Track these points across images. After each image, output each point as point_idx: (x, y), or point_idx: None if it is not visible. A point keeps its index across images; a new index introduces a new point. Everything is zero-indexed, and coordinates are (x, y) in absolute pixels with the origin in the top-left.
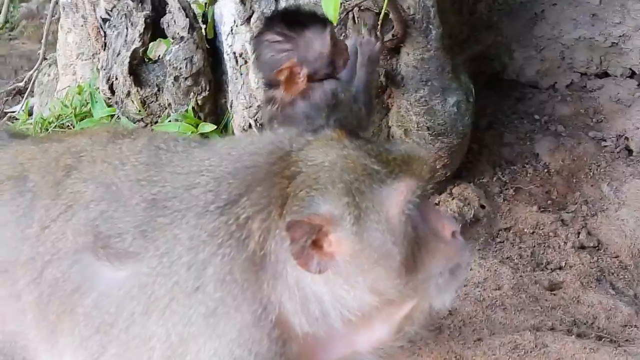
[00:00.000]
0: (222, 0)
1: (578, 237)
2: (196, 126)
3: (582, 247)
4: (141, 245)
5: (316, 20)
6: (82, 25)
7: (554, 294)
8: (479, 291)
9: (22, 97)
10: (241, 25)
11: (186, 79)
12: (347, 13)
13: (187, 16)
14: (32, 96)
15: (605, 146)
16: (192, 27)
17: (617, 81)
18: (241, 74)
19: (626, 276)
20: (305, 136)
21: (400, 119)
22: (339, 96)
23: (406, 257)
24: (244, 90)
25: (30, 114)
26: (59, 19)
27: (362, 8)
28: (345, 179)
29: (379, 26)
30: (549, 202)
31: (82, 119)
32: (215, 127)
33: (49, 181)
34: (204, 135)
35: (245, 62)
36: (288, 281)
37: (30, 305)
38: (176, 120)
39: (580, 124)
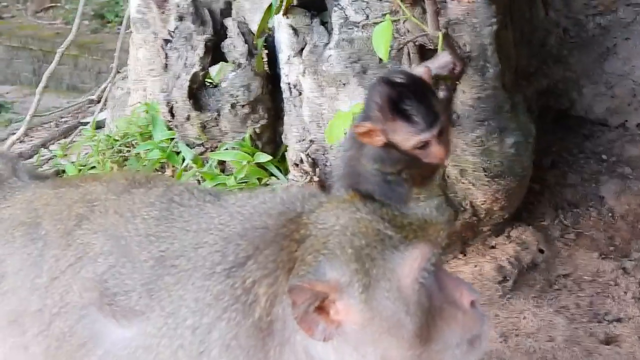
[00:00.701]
0: (279, 28)
1: (639, 287)
2: (252, 155)
3: None
4: (147, 304)
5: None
6: (152, 42)
7: (609, 348)
8: (531, 342)
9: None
10: (294, 57)
11: (243, 106)
12: (401, 49)
13: (245, 42)
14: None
15: None
16: (251, 54)
17: None
18: (295, 106)
19: None
20: (319, 197)
21: (456, 158)
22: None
23: (419, 327)
24: (297, 122)
25: (100, 127)
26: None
27: (416, 44)
28: (355, 244)
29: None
30: (612, 248)
31: (147, 139)
32: (271, 157)
33: (60, 230)
34: (260, 165)
35: (300, 93)
36: (296, 348)
37: (37, 357)
38: (233, 148)
39: None
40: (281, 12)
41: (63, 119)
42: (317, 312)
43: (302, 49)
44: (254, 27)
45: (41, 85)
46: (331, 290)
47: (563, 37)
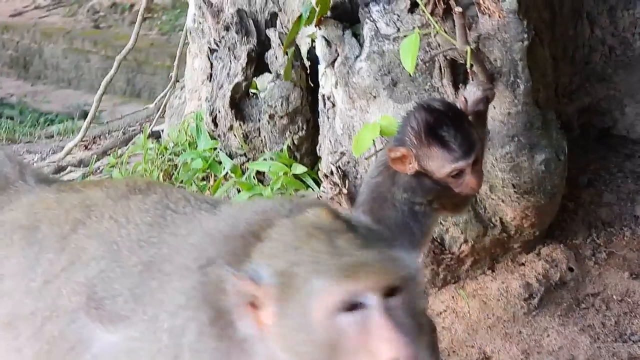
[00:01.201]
0: (318, 39)
1: None
2: (289, 166)
3: None
4: (132, 309)
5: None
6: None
7: None
8: None
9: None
10: (326, 68)
11: (282, 117)
12: (428, 63)
13: (286, 53)
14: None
15: None
16: (291, 65)
17: None
18: (328, 118)
19: None
20: (309, 207)
21: (485, 174)
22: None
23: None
24: (330, 134)
25: (158, 137)
26: None
27: (447, 58)
28: (290, 259)
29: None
30: None
31: (194, 148)
32: (308, 168)
33: (56, 234)
34: (297, 177)
35: (333, 105)
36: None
37: None
38: (271, 159)
39: None
40: (313, 23)
41: (131, 128)
42: (249, 307)
43: (335, 61)
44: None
45: (99, 92)
46: (259, 294)
47: (608, 55)
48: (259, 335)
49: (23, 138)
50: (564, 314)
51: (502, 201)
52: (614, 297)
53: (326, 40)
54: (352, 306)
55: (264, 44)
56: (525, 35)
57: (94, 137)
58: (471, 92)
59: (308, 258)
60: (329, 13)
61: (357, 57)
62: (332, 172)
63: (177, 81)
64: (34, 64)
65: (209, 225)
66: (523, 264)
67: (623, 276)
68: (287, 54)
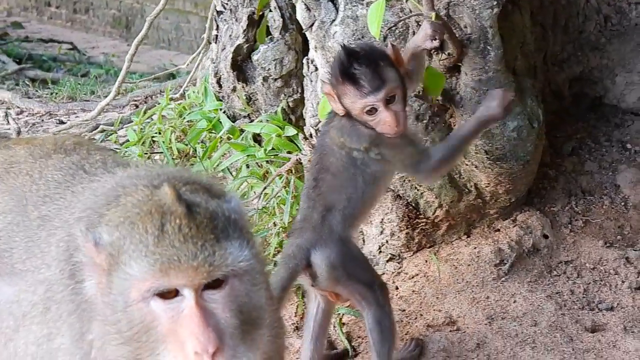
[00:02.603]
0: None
1: (638, 277)
2: (283, 128)
3: None
4: (24, 261)
5: (370, 82)
6: None
7: (592, 336)
8: (515, 326)
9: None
10: (305, 31)
11: (276, 80)
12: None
13: (282, 16)
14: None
15: None
16: (286, 28)
17: None
18: (311, 81)
19: None
20: (181, 182)
21: None
22: (385, 138)
23: (131, 336)
24: (313, 97)
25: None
26: None
27: (420, 24)
28: (123, 231)
29: None
30: (619, 237)
31: None
32: (298, 130)
33: None
34: (290, 139)
35: (316, 69)
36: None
37: None
38: (267, 121)
39: None
40: None
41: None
42: (95, 269)
43: (313, 25)
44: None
45: (130, 52)
46: (99, 259)
47: (603, 24)
48: (99, 298)
49: (83, 96)
50: (534, 280)
51: (476, 167)
52: (587, 265)
53: (305, 4)
54: (167, 294)
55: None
56: (495, 2)
57: (146, 97)
58: (421, 30)
59: (136, 237)
60: None
61: (333, 21)
62: (311, 135)
63: (209, 43)
64: (136, 24)
65: (98, 185)
66: (498, 230)
67: (597, 245)
68: (261, 17)
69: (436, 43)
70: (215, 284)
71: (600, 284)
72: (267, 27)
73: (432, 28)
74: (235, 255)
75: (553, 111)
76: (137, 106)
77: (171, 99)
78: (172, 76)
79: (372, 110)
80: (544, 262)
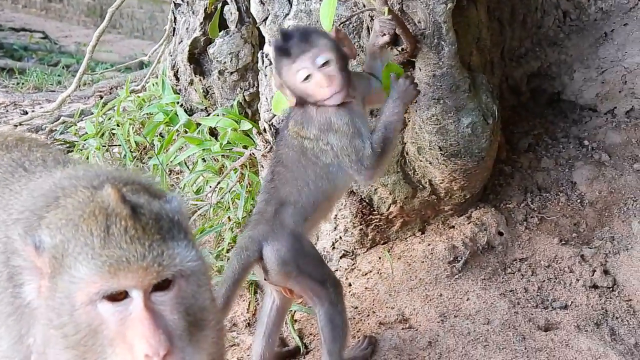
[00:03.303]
0: None
1: (593, 275)
2: (239, 122)
3: (595, 287)
4: None
5: (297, 47)
6: None
7: (545, 335)
8: (467, 324)
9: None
10: (259, 25)
11: (232, 73)
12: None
13: (238, 9)
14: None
15: None
16: (242, 21)
17: None
18: (265, 75)
19: (632, 322)
20: (122, 182)
21: (414, 135)
22: (334, 124)
23: (78, 340)
24: (267, 92)
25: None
26: None
27: (373, 18)
28: (66, 234)
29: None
30: (574, 234)
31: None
32: (254, 125)
33: None
34: (246, 133)
35: (271, 63)
36: (37, 315)
37: None
38: (223, 115)
39: (628, 154)
40: None
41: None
42: (35, 273)
43: (267, 19)
44: None
45: (92, 43)
46: (40, 262)
47: (562, 19)
48: (39, 303)
49: (50, 87)
50: (488, 278)
51: (430, 163)
52: (542, 262)
53: None
54: (115, 297)
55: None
56: None
57: (111, 88)
58: (375, 28)
59: (81, 239)
60: None
61: (286, 15)
62: (264, 130)
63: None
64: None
65: (36, 186)
66: (453, 227)
67: (552, 242)
68: (213, 10)
69: (386, 39)
70: (163, 285)
71: (554, 282)
72: (220, 20)
73: (380, 24)
74: (183, 255)
75: (510, 107)
76: (101, 97)
77: (133, 91)
78: (145, 66)
79: (308, 77)
80: (499, 259)
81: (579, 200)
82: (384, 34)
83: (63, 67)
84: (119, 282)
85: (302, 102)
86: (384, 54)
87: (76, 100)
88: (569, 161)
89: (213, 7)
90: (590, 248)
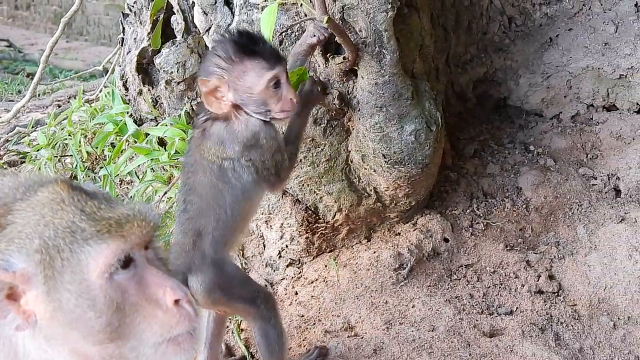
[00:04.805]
0: (196, 7)
1: (538, 280)
2: (186, 132)
3: (540, 292)
4: None
5: (271, 55)
6: None
7: (490, 341)
8: (412, 331)
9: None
10: (203, 36)
11: (179, 83)
12: (284, 33)
13: (184, 19)
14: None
15: (594, 185)
16: (188, 31)
17: (623, 116)
18: None
19: (576, 327)
20: (37, 187)
21: (358, 144)
22: (261, 140)
23: (107, 323)
24: None
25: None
26: None
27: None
28: (45, 234)
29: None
30: (520, 240)
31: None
32: None
33: None
34: None
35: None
36: (1, 334)
37: None
38: (170, 124)
39: (573, 159)
40: None
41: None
42: (7, 300)
43: (209, 29)
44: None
45: (45, 53)
46: (18, 281)
47: (507, 25)
48: (26, 328)
49: (10, 96)
50: (433, 284)
51: (374, 171)
52: (487, 268)
53: (202, 9)
54: (125, 263)
55: (171, 11)
56: (389, 6)
57: (69, 97)
58: (309, 29)
59: (64, 229)
60: None
61: (229, 25)
62: None
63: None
64: (77, 20)
65: None
66: (399, 234)
67: (498, 248)
68: (155, 21)
69: (314, 40)
70: (148, 241)
71: (500, 287)
72: (168, 31)
73: (314, 26)
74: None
75: (457, 113)
76: (59, 106)
77: (87, 101)
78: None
79: (277, 84)
80: (444, 266)
81: (524, 206)
82: (315, 35)
83: (27, 76)
84: (125, 241)
85: (233, 112)
86: (306, 58)
87: (35, 109)
88: (515, 167)
89: (155, 17)
90: (536, 253)
